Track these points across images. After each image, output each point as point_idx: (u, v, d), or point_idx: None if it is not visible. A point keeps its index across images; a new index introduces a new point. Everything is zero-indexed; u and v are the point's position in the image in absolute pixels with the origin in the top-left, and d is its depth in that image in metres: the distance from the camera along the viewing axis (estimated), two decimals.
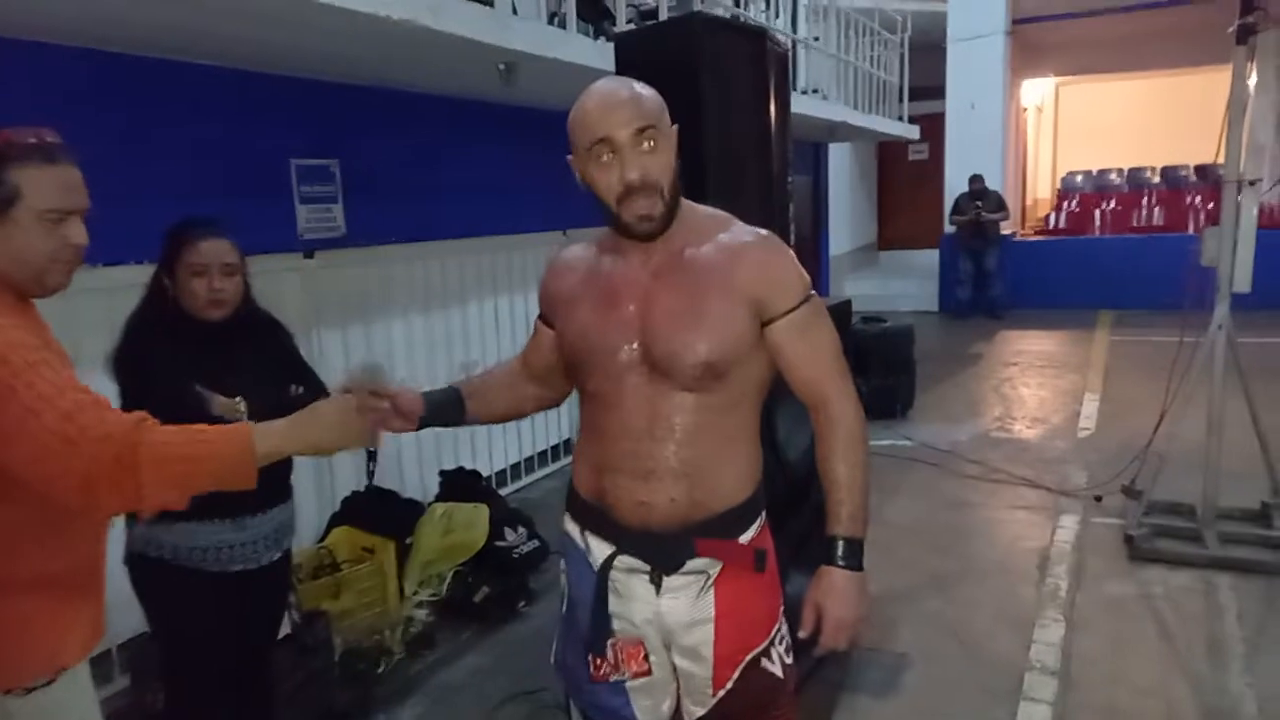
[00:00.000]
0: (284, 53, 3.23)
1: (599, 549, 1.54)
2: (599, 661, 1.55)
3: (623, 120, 1.38)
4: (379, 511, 3.83)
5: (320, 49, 3.18)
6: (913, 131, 9.88)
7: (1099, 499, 4.38)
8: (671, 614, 1.50)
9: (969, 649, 3.14)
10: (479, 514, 3.85)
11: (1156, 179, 13.36)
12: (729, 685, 1.52)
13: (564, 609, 1.65)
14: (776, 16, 7.25)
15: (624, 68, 2.74)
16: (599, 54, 3.71)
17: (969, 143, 10.83)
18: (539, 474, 5.18)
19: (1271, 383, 3.83)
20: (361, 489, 3.95)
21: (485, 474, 4.68)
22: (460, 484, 4.13)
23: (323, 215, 3.78)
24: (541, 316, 1.65)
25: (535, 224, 5.00)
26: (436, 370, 4.46)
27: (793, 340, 1.47)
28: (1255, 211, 3.52)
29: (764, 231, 1.52)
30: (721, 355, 1.42)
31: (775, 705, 1.59)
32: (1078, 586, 3.54)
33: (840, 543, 1.47)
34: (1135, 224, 11.90)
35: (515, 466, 5.03)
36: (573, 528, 1.61)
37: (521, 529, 3.98)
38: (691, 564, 1.49)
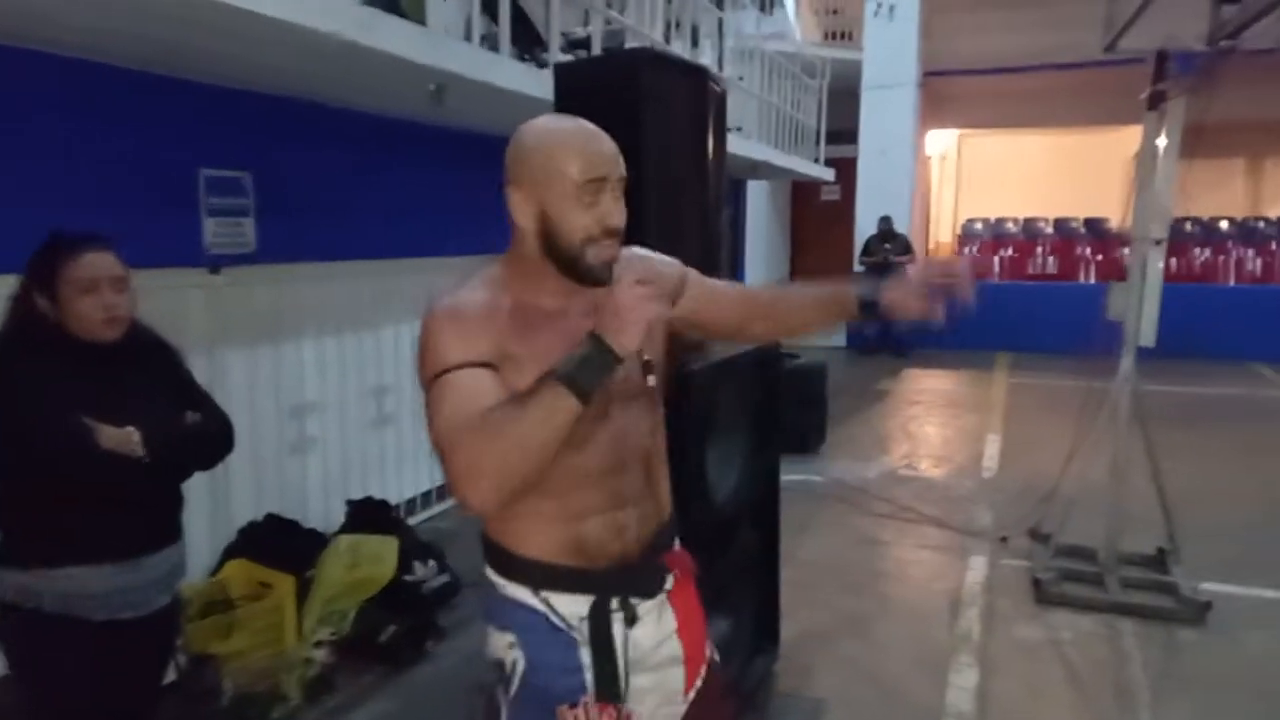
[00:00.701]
0: (203, 58, 3.05)
1: (569, 605, 1.43)
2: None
3: (616, 164, 1.37)
4: (278, 543, 3.62)
5: (243, 58, 3.00)
6: (828, 174, 10.13)
7: (1005, 540, 4.49)
8: (644, 640, 1.49)
9: (886, 694, 3.14)
10: (387, 546, 3.67)
11: (1050, 230, 14.06)
12: (698, 684, 1.57)
13: (513, 688, 1.44)
14: (702, 55, 7.32)
15: (564, 96, 2.69)
16: (533, 80, 3.64)
17: (879, 187, 11.19)
18: (451, 502, 4.99)
19: (1166, 430, 4.00)
20: (260, 518, 3.73)
21: (394, 503, 4.50)
22: (368, 514, 3.94)
23: (232, 230, 3.58)
24: (484, 364, 1.29)
25: (457, 247, 4.87)
26: (348, 395, 4.27)
27: (705, 288, 1.63)
28: (1160, 269, 3.68)
29: (635, 248, 1.57)
30: (671, 367, 1.57)
31: (726, 698, 1.68)
32: (989, 630, 3.60)
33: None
34: (1031, 271, 12.47)
35: (426, 495, 4.85)
36: (519, 591, 1.45)
37: (432, 562, 3.82)
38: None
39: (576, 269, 1.36)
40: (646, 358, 1.36)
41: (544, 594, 1.43)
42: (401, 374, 4.58)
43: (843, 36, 12.65)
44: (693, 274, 1.62)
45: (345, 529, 3.87)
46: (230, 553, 3.57)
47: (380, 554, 3.65)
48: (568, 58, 4.16)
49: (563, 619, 1.43)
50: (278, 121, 3.74)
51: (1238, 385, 8.78)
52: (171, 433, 1.93)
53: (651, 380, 1.39)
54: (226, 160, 3.53)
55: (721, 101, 3.15)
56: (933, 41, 11.63)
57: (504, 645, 1.45)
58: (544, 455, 1.21)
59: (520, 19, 4.26)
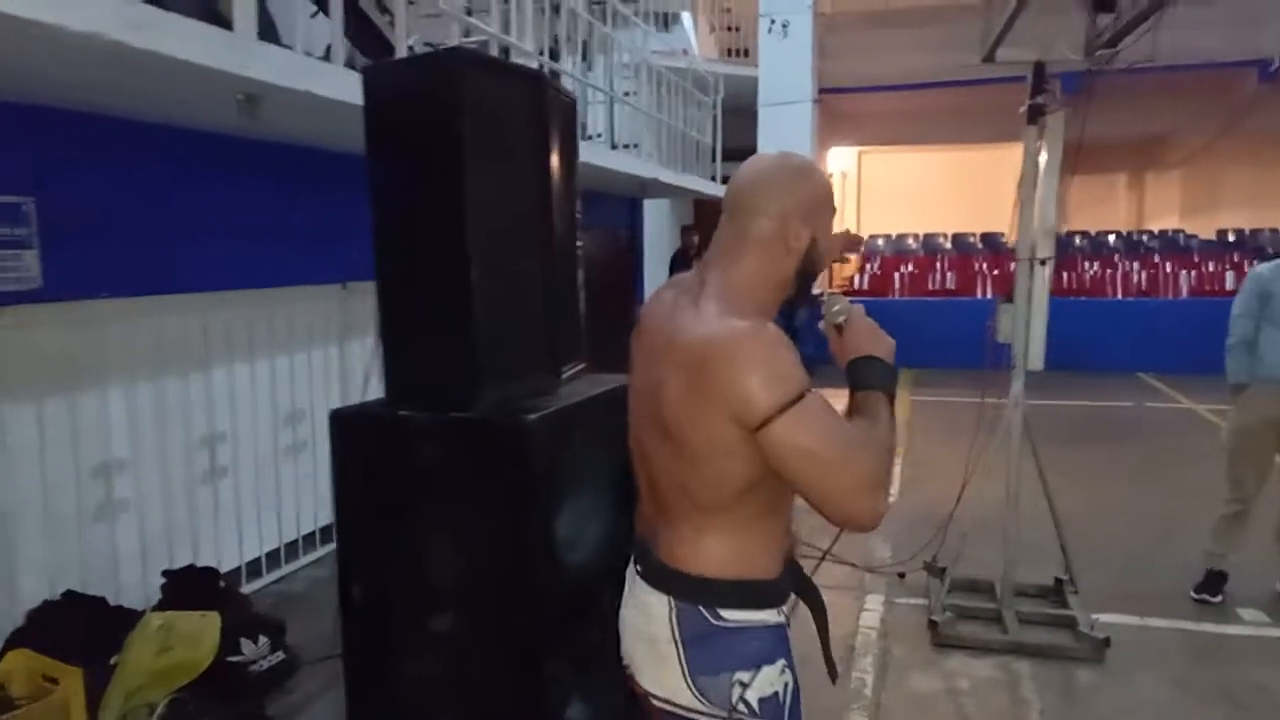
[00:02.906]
0: None
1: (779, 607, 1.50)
2: None
3: None
4: (75, 627, 3.11)
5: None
6: (724, 191, 9.97)
7: (903, 576, 4.26)
8: None
9: None
10: (207, 624, 3.19)
11: (948, 245, 14.25)
12: None
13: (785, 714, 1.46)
14: (590, 69, 7.05)
15: (374, 103, 2.32)
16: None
17: None
18: (302, 561, 4.48)
19: (1058, 448, 3.85)
20: (57, 596, 3.22)
21: (232, 566, 4.01)
22: (189, 586, 3.45)
23: (11, 264, 3.07)
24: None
25: (302, 275, 4.41)
26: (171, 450, 3.76)
27: None
28: (1047, 290, 3.51)
29: None
30: None
31: None
32: (883, 682, 3.33)
33: None
34: (931, 287, 12.55)
35: (273, 554, 4.34)
36: (770, 615, 1.46)
37: (264, 639, 3.35)
38: None
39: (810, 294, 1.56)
40: None
41: (782, 608, 1.49)
42: (239, 419, 4.08)
43: (741, 54, 12.59)
44: None
45: (162, 605, 3.37)
46: (14, 640, 3.05)
47: (199, 633, 3.16)
48: None
49: (784, 619, 1.50)
50: (65, 139, 3.24)
51: (1128, 397, 8.89)
52: None
53: None
54: (1, 184, 3.03)
55: (570, 113, 2.81)
56: (828, 59, 11.64)
57: (775, 677, 1.44)
58: None
59: (363, 23, 3.88)
